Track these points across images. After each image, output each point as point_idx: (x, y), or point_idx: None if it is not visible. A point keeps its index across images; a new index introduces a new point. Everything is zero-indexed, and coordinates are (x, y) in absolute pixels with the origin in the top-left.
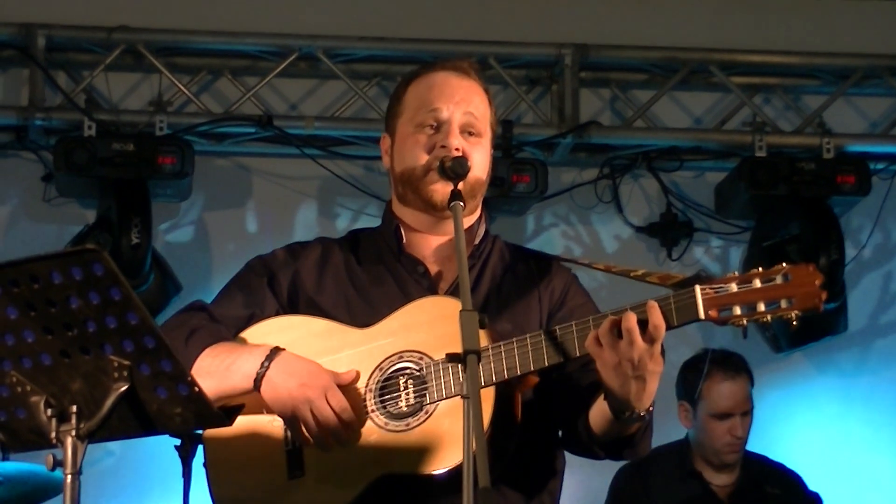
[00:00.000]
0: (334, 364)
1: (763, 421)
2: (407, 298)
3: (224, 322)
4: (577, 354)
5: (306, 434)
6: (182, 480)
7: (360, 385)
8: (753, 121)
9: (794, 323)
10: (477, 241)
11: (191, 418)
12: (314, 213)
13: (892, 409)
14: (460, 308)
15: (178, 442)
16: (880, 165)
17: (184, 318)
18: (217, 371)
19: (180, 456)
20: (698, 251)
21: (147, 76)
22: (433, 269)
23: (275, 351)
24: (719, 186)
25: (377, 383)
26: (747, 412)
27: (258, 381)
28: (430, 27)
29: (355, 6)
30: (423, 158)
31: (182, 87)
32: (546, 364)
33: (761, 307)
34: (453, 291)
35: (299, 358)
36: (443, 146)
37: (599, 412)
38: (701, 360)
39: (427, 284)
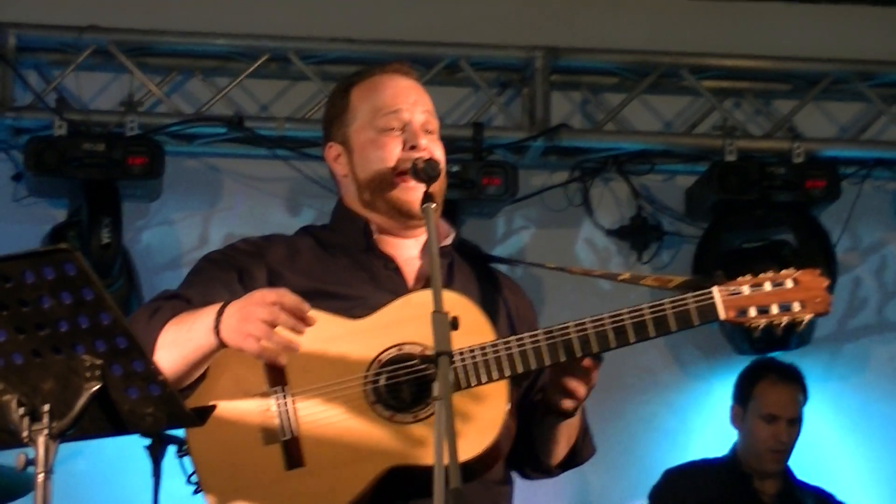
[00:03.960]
0: (328, 354)
1: (726, 424)
2: (383, 292)
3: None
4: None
5: (268, 346)
6: (152, 481)
7: (359, 376)
8: (724, 125)
9: (803, 326)
10: (447, 243)
11: (162, 419)
12: (284, 215)
13: (859, 415)
14: (457, 303)
15: (148, 442)
16: (850, 170)
17: (148, 305)
18: (180, 338)
19: (151, 456)
20: (667, 254)
21: (118, 76)
22: (402, 267)
23: (228, 302)
24: (690, 190)
25: (376, 375)
26: (795, 421)
27: (217, 329)
28: (400, 29)
29: (326, 8)
30: (392, 161)
31: (153, 88)
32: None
33: (774, 309)
34: (423, 289)
35: (249, 295)
36: (412, 146)
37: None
38: (758, 365)
39: (398, 280)
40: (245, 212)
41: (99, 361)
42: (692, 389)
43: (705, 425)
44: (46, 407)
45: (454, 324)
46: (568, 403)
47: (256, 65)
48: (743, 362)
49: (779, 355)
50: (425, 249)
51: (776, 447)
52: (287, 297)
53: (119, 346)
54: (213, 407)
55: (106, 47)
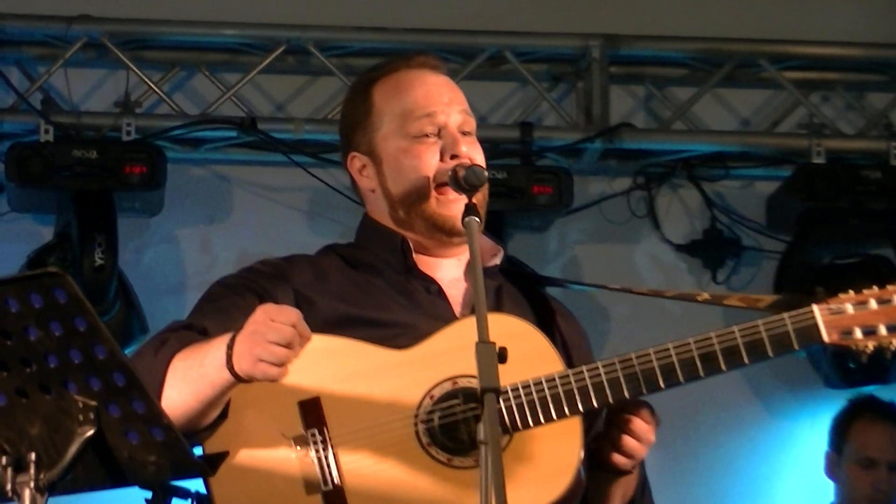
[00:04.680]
0: (371, 390)
1: (816, 467)
2: (429, 318)
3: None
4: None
5: (274, 371)
6: None
7: (408, 415)
8: (810, 122)
9: None
10: (494, 262)
11: (166, 467)
12: (304, 230)
13: None
14: (518, 329)
15: (150, 495)
16: None
17: (154, 338)
18: (191, 374)
19: None
20: (746, 273)
21: (112, 73)
22: (446, 290)
23: (239, 330)
24: (771, 198)
25: (429, 413)
26: None
27: (230, 363)
28: (436, 16)
29: None
30: (430, 173)
31: (152, 86)
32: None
33: (883, 330)
34: (470, 315)
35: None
36: (453, 155)
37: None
38: (853, 404)
39: (442, 305)
40: (259, 227)
41: (93, 402)
42: (776, 428)
43: (793, 469)
44: (33, 455)
45: (502, 355)
46: (624, 461)
47: (271, 58)
48: (834, 397)
49: (876, 390)
50: (470, 270)
51: (876, 497)
52: (290, 310)
53: (117, 384)
54: (226, 454)
55: (98, 40)
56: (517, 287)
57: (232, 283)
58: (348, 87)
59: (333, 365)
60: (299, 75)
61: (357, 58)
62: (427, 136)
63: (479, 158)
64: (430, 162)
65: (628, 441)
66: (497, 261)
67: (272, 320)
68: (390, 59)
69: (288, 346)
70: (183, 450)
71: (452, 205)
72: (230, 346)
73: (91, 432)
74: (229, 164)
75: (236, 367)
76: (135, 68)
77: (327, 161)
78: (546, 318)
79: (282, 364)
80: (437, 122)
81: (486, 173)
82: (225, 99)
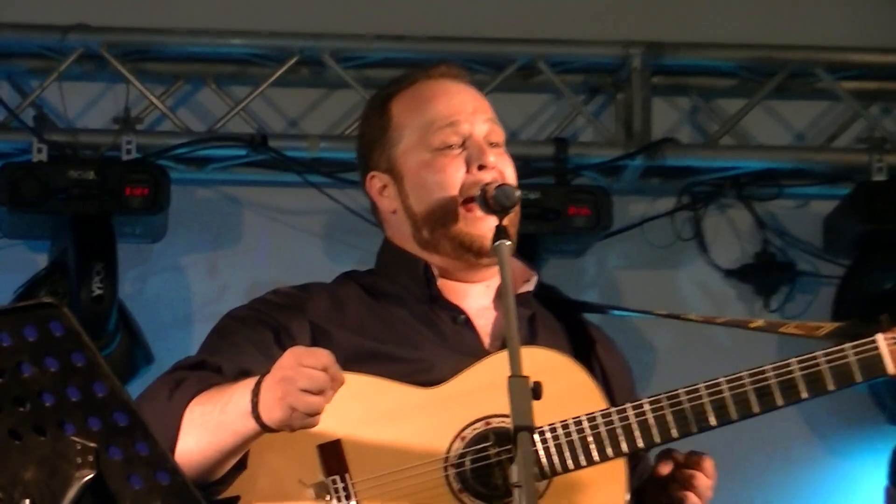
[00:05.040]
0: (396, 432)
1: None
2: (455, 353)
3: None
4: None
5: (310, 421)
6: None
7: (438, 459)
8: (870, 136)
9: None
10: (528, 288)
11: None
12: (321, 257)
13: None
14: (556, 363)
15: None
16: None
17: (167, 377)
18: (211, 421)
19: None
20: (802, 300)
21: (111, 86)
22: (474, 320)
23: (264, 375)
24: (828, 219)
25: (460, 456)
26: None
27: (255, 412)
28: (462, 23)
29: None
30: (456, 187)
31: (154, 100)
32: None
33: None
34: (502, 349)
35: (278, 361)
36: (480, 166)
37: None
38: None
39: (470, 337)
40: (271, 253)
41: (93, 443)
42: (836, 468)
43: None
44: (27, 502)
45: (536, 391)
46: None
47: (282, 70)
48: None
49: None
50: (500, 297)
51: None
52: (322, 353)
53: (118, 424)
54: (237, 499)
55: (96, 51)
56: (552, 314)
57: (244, 315)
58: (367, 100)
59: (355, 405)
60: (314, 88)
61: (376, 69)
62: (451, 147)
63: (510, 172)
64: (455, 175)
65: (690, 498)
66: (530, 286)
67: (302, 365)
68: (409, 71)
69: (321, 392)
70: (191, 496)
71: (481, 222)
72: (256, 393)
73: (90, 476)
74: (238, 185)
75: (265, 417)
76: (135, 82)
77: (345, 181)
78: (585, 349)
79: (316, 413)
80: (462, 132)
81: (517, 193)
82: (233, 114)
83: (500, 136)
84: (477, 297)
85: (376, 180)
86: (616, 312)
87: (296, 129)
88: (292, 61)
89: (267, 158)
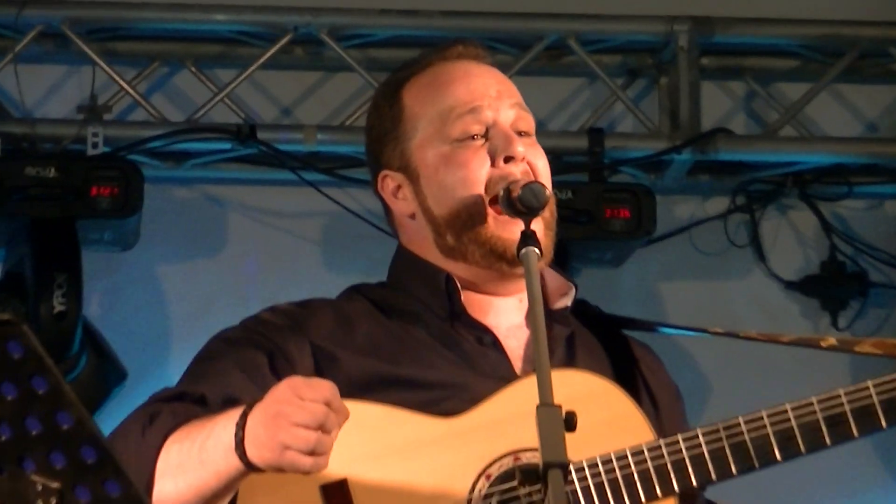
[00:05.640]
0: (411, 470)
1: None
2: (482, 377)
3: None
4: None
5: (307, 461)
6: None
7: (460, 500)
8: None
9: None
10: (565, 304)
11: None
12: (319, 267)
13: None
14: (595, 388)
15: None
16: None
17: (140, 411)
18: (190, 461)
19: None
20: (875, 315)
21: (75, 70)
22: (503, 340)
23: (251, 405)
24: None
25: (485, 497)
26: None
27: (240, 448)
28: None
29: None
30: (481, 182)
31: (125, 86)
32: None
33: None
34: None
35: (271, 392)
36: (507, 158)
37: None
38: None
39: (499, 360)
40: (262, 263)
41: (56, 483)
42: None
43: None
44: None
45: (570, 422)
46: None
47: (274, 50)
48: None
49: None
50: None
51: None
52: (323, 385)
53: (85, 460)
54: None
55: (58, 28)
56: (593, 332)
57: (234, 337)
58: (372, 86)
59: (363, 438)
60: (310, 71)
61: (382, 48)
62: (473, 137)
63: (542, 165)
64: (479, 169)
65: None
66: (568, 301)
67: (301, 398)
68: (423, 52)
69: (321, 428)
70: None
71: (515, 225)
72: (241, 426)
73: None
74: (223, 184)
75: (253, 456)
76: (103, 64)
77: (346, 178)
78: (629, 371)
79: (313, 452)
80: (484, 119)
81: (547, 191)
82: (217, 101)
83: (529, 123)
84: (507, 314)
85: (389, 180)
86: (664, 330)
87: (289, 118)
88: (285, 40)
89: (256, 153)
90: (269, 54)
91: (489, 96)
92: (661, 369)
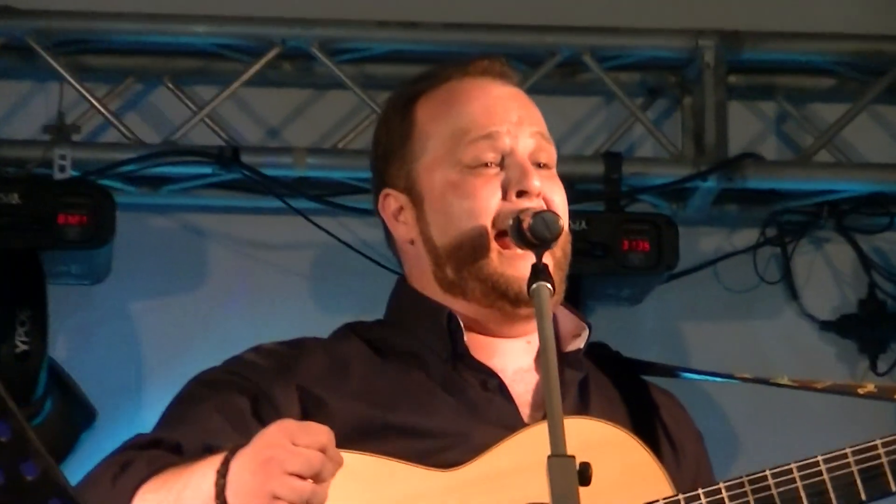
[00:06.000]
0: None
1: None
2: (486, 425)
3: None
4: None
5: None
6: None
7: None
8: None
9: None
10: (577, 346)
11: None
12: (309, 303)
13: None
14: (610, 438)
15: None
16: None
17: (111, 459)
18: None
19: None
20: None
21: (42, 86)
22: (510, 385)
23: (234, 450)
24: None
25: None
26: None
27: (221, 498)
28: (488, 7)
29: None
30: (489, 215)
31: (96, 104)
32: None
33: None
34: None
35: (260, 436)
36: (520, 192)
37: None
38: None
39: (505, 406)
40: (245, 299)
41: None
42: None
43: None
44: None
45: (584, 474)
46: None
47: (260, 65)
48: None
49: None
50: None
51: None
52: (319, 430)
53: None
54: None
55: (22, 41)
56: (610, 377)
57: (214, 379)
58: (368, 106)
59: (357, 492)
60: (299, 89)
61: (379, 64)
62: (486, 165)
63: (559, 201)
64: (488, 200)
65: None
66: (581, 343)
67: (294, 443)
68: (442, 66)
69: (315, 477)
70: None
71: (520, 261)
72: (223, 473)
73: None
74: (203, 212)
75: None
76: (72, 80)
77: (338, 206)
78: (649, 421)
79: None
80: (501, 147)
81: (561, 222)
82: (197, 121)
83: (550, 155)
84: (515, 356)
85: (391, 200)
86: (687, 376)
87: (276, 140)
88: (272, 54)
89: (239, 178)
90: (254, 70)
91: (509, 121)
92: (684, 417)
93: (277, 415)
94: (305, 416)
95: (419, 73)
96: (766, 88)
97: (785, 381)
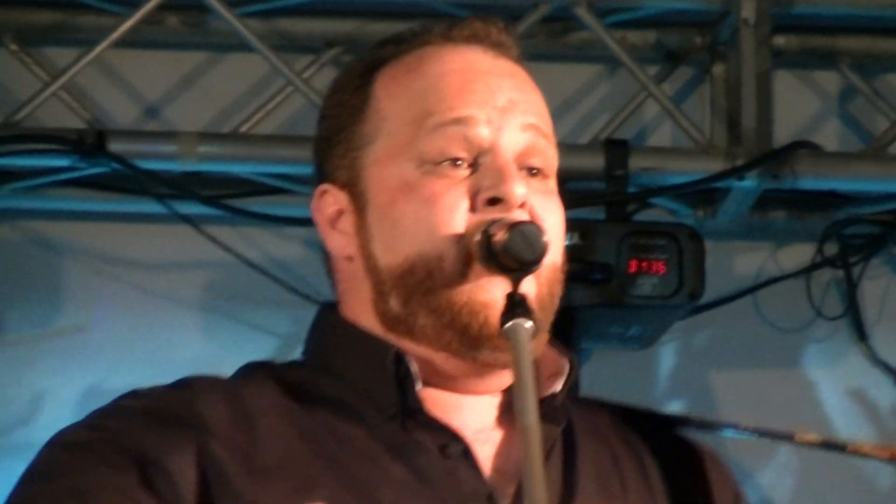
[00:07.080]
0: None
1: None
2: (443, 502)
3: None
4: None
5: None
6: None
7: None
8: None
9: None
10: (553, 390)
11: None
12: (200, 340)
13: None
14: None
15: None
16: None
17: None
18: None
19: None
20: None
21: None
22: (473, 448)
23: None
24: None
25: None
26: None
27: None
28: None
29: None
30: (455, 229)
31: None
32: None
33: None
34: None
35: None
36: (493, 199)
37: None
38: None
39: (469, 477)
40: (116, 334)
41: None
42: None
43: None
44: None
45: None
46: None
47: (134, 20)
48: None
49: None
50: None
51: None
52: None
53: None
54: None
55: None
56: (611, 428)
57: (82, 440)
58: (281, 75)
59: None
60: (189, 51)
61: (299, 19)
62: (454, 162)
63: (552, 222)
64: (451, 211)
65: None
66: (557, 386)
67: None
68: (419, 26)
69: None
70: None
71: (494, 287)
72: None
73: None
74: (58, 218)
75: None
76: None
77: (240, 212)
78: (678, 480)
79: None
80: (476, 139)
81: (545, 237)
82: (48, 95)
83: (547, 160)
84: (478, 413)
85: (329, 199)
86: (727, 433)
87: (157, 121)
88: (151, 4)
89: (106, 172)
90: (127, 25)
91: (492, 106)
92: (724, 473)
93: (172, 484)
94: (206, 488)
95: (390, 35)
96: (825, 54)
97: (849, 444)
